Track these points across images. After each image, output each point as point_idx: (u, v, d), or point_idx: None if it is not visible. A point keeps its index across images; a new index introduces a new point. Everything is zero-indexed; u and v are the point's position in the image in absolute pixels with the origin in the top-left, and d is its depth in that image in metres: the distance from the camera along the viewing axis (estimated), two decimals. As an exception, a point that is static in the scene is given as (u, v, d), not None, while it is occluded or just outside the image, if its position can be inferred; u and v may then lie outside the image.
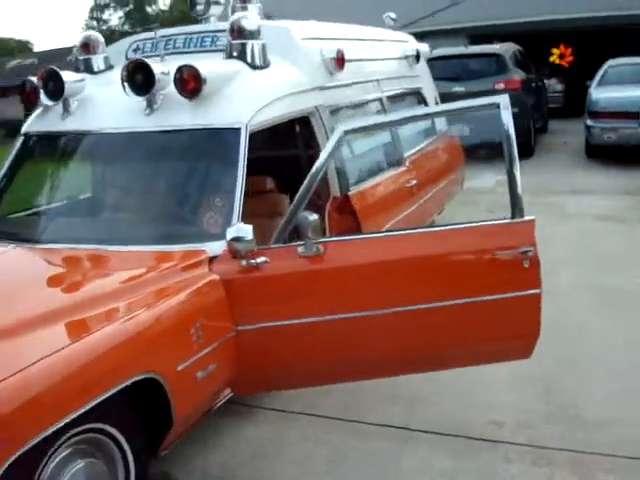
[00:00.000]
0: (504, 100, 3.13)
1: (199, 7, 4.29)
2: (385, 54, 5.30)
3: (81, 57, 4.12)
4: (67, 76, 3.64)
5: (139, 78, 3.38)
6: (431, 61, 10.57)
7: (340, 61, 4.24)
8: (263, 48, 3.80)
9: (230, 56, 3.74)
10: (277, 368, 3.08)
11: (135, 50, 4.32)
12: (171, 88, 3.37)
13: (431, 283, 3.06)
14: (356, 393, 3.63)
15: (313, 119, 4.02)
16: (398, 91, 5.44)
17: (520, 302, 3.04)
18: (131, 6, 39.23)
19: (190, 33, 4.17)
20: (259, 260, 2.94)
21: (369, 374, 3.26)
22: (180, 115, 3.40)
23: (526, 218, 3.10)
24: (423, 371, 3.37)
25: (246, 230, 2.84)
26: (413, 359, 3.12)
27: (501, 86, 9.90)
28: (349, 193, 4.12)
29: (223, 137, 3.36)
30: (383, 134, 4.80)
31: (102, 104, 3.69)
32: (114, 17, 40.36)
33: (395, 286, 3.03)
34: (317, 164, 3.06)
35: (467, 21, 15.48)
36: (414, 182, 4.99)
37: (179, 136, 3.41)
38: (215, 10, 4.28)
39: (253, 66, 3.72)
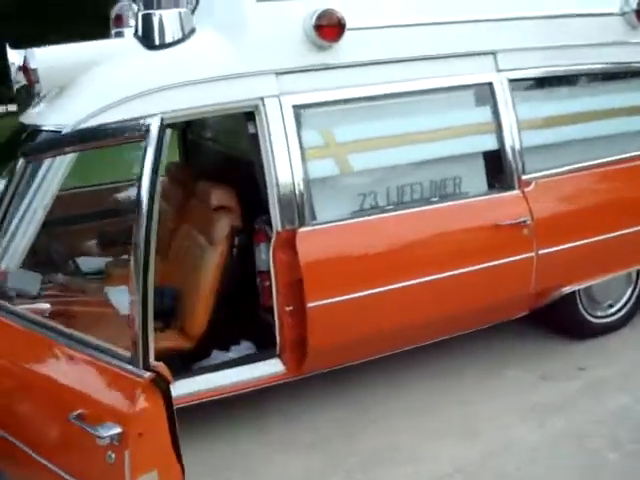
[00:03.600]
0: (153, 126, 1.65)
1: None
2: (525, 10, 3.26)
3: (113, 31, 3.74)
4: None
5: (12, 64, 2.91)
6: None
7: (327, 30, 2.80)
8: (178, 19, 2.81)
9: (135, 32, 2.89)
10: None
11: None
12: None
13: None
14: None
15: (258, 116, 2.82)
16: (570, 68, 3.37)
17: None
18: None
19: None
20: None
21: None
22: (34, 112, 2.81)
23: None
24: None
25: None
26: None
27: None
28: (300, 229, 2.83)
29: (46, 142, 2.65)
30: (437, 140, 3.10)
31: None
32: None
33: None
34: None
35: None
36: (524, 219, 3.12)
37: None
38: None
39: (151, 45, 2.79)
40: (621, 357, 3.46)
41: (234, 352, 3.30)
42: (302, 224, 2.84)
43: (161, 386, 1.58)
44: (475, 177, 3.20)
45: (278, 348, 3.03)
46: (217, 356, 3.26)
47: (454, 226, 3.13)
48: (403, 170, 3.07)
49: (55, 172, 2.65)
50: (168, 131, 2.62)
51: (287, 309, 2.91)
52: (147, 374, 1.59)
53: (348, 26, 2.82)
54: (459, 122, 3.13)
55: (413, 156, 3.07)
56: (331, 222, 2.90)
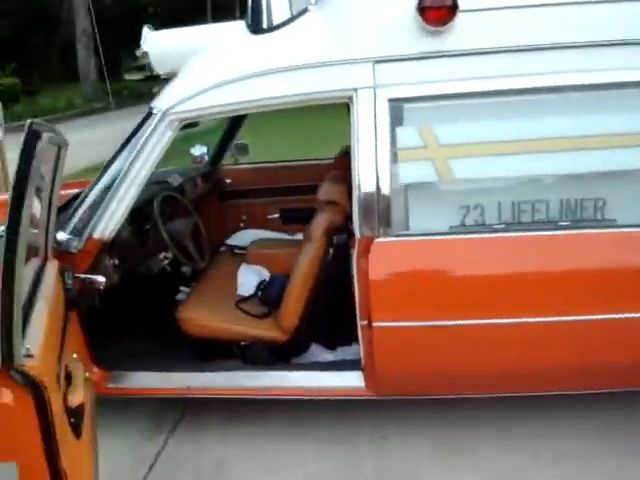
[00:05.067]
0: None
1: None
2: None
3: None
4: None
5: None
6: None
7: (433, 12, 2.37)
8: (287, 1, 2.66)
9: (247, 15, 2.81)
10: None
11: None
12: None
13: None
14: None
15: (351, 110, 2.56)
16: None
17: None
18: None
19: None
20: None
21: None
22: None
23: None
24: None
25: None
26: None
27: None
28: (378, 239, 2.53)
29: (144, 124, 2.74)
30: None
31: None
32: None
33: None
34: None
35: None
36: None
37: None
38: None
39: (256, 29, 2.70)
40: None
41: (337, 354, 3.14)
42: (382, 233, 2.53)
43: (29, 386, 1.57)
44: (628, 201, 2.48)
45: (362, 361, 2.79)
46: (315, 352, 3.14)
47: (585, 261, 2.48)
48: (523, 183, 2.50)
49: (149, 153, 2.71)
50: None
51: (362, 323, 2.65)
52: (8, 373, 1.57)
53: (461, 7, 2.38)
54: (610, 129, 2.42)
55: (539, 168, 2.47)
56: (419, 235, 2.53)
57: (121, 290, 3.10)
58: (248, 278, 3.45)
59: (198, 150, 4.53)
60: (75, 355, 2.40)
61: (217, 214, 4.50)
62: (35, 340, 1.73)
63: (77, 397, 1.96)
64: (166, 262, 3.54)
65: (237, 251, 3.85)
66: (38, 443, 1.58)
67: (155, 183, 3.71)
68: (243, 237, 4.11)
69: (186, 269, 3.77)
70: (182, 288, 3.67)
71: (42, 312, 1.95)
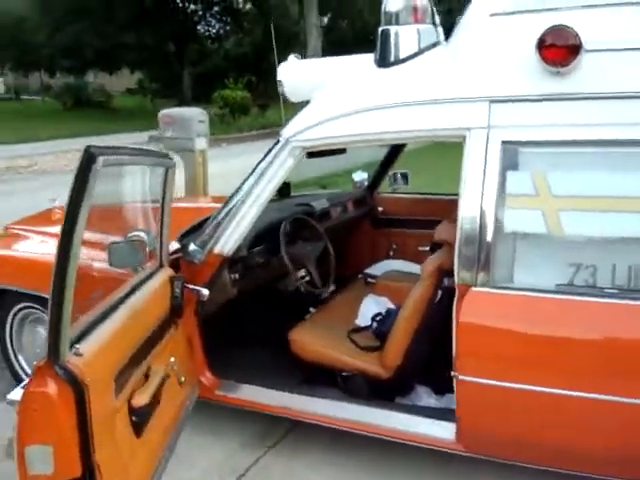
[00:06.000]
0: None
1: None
2: None
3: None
4: None
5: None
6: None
7: (552, 51, 2.19)
8: (415, 35, 2.64)
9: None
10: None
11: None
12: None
13: None
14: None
15: (463, 150, 2.46)
16: None
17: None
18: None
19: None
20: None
21: None
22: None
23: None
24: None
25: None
26: None
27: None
28: (474, 287, 2.39)
29: (271, 150, 2.86)
30: None
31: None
32: None
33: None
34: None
35: None
36: None
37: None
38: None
39: (381, 62, 2.70)
40: None
41: (443, 400, 3.00)
42: (480, 282, 2.39)
43: (70, 382, 1.72)
44: None
45: (457, 412, 2.65)
46: (420, 394, 3.03)
47: None
48: (644, 246, 2.22)
49: (271, 177, 2.82)
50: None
51: (453, 373, 2.52)
52: (53, 366, 1.72)
53: (587, 47, 2.17)
54: None
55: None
56: (520, 290, 2.35)
57: (244, 304, 3.26)
58: (369, 308, 3.44)
59: (359, 176, 4.62)
60: (172, 359, 2.58)
61: (368, 241, 4.53)
62: (96, 339, 1.91)
63: (143, 398, 2.12)
64: (298, 283, 3.64)
65: (369, 280, 3.85)
66: (74, 435, 1.74)
67: (297, 205, 3.85)
68: (383, 266, 4.09)
69: (320, 291, 3.85)
70: (312, 309, 3.75)
71: (124, 314, 2.14)
